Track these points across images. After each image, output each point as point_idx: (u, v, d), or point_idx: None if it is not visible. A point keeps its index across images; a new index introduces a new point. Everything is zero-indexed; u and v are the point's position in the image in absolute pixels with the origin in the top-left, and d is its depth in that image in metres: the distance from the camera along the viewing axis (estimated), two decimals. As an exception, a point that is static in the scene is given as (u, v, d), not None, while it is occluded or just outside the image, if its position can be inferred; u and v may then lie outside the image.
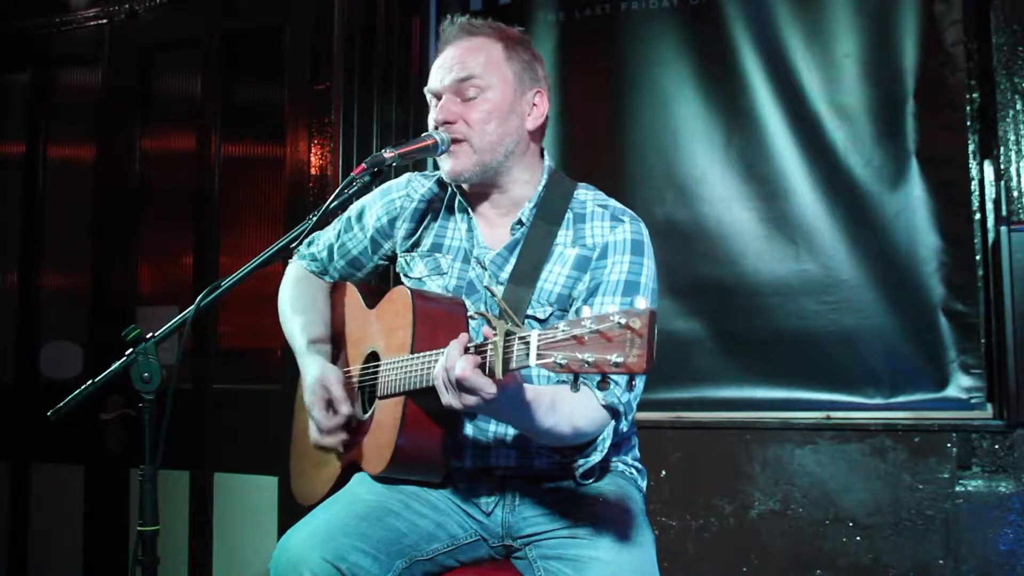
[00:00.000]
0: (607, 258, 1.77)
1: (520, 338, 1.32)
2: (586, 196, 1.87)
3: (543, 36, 3.28)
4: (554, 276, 1.79)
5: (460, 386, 1.41)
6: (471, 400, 1.42)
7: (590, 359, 1.20)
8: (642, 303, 1.19)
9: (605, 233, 1.80)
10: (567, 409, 1.57)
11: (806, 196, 2.93)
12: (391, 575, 1.63)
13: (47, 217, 3.86)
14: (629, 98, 3.15)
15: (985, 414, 2.72)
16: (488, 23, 1.86)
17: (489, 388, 1.40)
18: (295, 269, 2.13)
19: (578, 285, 1.78)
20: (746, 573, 2.83)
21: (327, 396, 1.83)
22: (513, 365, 1.33)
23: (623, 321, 1.18)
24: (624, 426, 1.72)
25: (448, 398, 1.46)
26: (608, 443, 1.72)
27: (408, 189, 1.98)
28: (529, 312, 1.78)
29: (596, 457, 1.73)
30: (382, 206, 1.99)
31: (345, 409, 1.83)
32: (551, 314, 1.78)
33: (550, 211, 1.83)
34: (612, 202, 1.87)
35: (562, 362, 1.23)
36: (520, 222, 1.84)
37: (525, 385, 1.50)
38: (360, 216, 2.02)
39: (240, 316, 3.50)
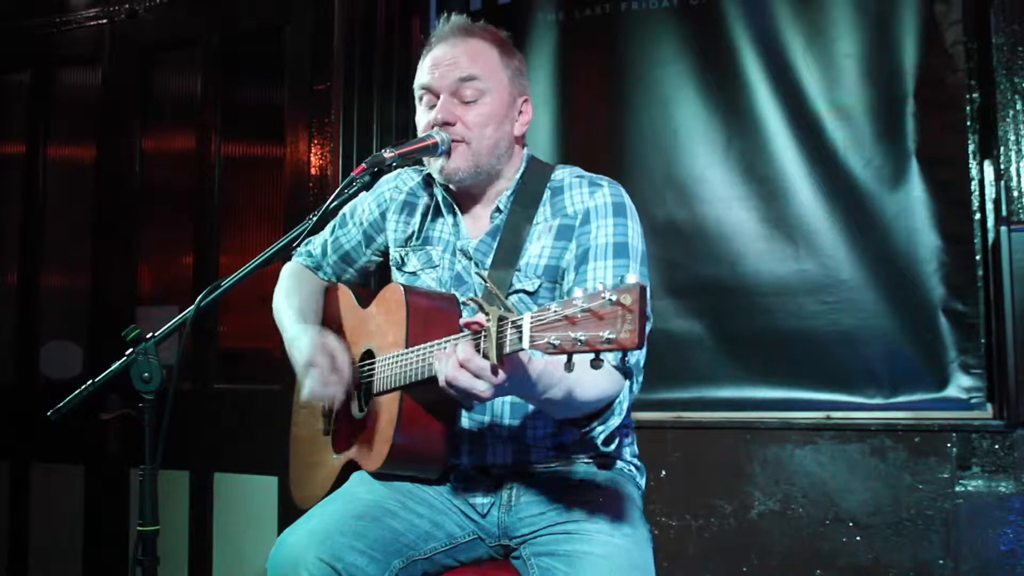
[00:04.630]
0: (591, 223, 1.78)
1: (512, 323, 1.32)
2: (563, 173, 1.89)
3: (543, 36, 3.28)
4: (537, 250, 1.80)
5: (477, 376, 1.39)
6: (482, 386, 1.40)
7: (582, 337, 1.21)
8: (632, 278, 1.19)
9: (585, 199, 1.81)
10: (582, 372, 1.50)
11: (806, 196, 2.92)
12: (388, 575, 1.63)
13: (47, 217, 3.86)
14: (629, 98, 3.15)
15: (985, 414, 2.71)
16: (482, 25, 1.87)
17: (491, 378, 1.38)
18: (291, 264, 2.17)
19: (565, 255, 1.79)
20: (746, 573, 2.82)
21: (332, 361, 1.81)
22: (507, 350, 1.33)
23: (614, 298, 1.18)
24: (636, 388, 1.71)
25: (463, 384, 1.42)
26: (625, 405, 1.69)
27: (397, 182, 2.01)
28: (517, 286, 1.78)
29: (615, 420, 1.68)
30: (373, 199, 2.03)
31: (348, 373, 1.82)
32: (540, 286, 1.78)
33: (528, 195, 1.85)
34: (589, 173, 1.88)
35: (555, 343, 1.24)
36: (498, 209, 1.86)
37: (535, 358, 1.46)
38: (353, 212, 2.06)
39: (240, 316, 3.50)
